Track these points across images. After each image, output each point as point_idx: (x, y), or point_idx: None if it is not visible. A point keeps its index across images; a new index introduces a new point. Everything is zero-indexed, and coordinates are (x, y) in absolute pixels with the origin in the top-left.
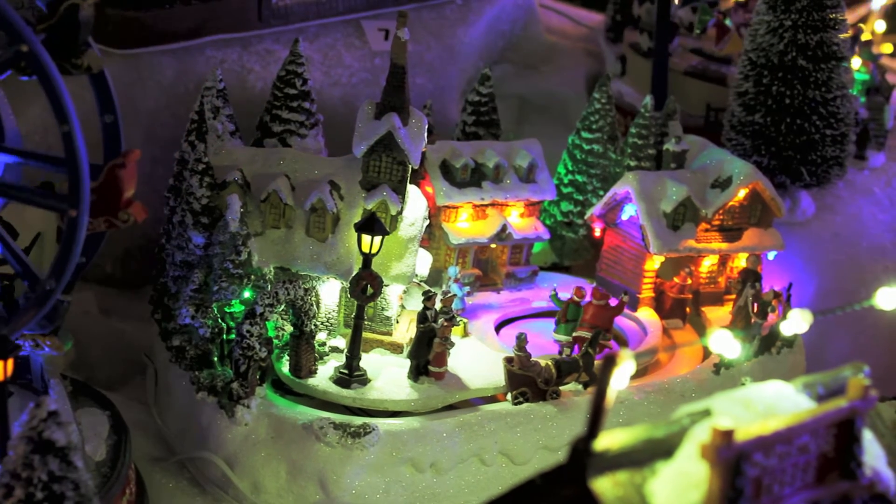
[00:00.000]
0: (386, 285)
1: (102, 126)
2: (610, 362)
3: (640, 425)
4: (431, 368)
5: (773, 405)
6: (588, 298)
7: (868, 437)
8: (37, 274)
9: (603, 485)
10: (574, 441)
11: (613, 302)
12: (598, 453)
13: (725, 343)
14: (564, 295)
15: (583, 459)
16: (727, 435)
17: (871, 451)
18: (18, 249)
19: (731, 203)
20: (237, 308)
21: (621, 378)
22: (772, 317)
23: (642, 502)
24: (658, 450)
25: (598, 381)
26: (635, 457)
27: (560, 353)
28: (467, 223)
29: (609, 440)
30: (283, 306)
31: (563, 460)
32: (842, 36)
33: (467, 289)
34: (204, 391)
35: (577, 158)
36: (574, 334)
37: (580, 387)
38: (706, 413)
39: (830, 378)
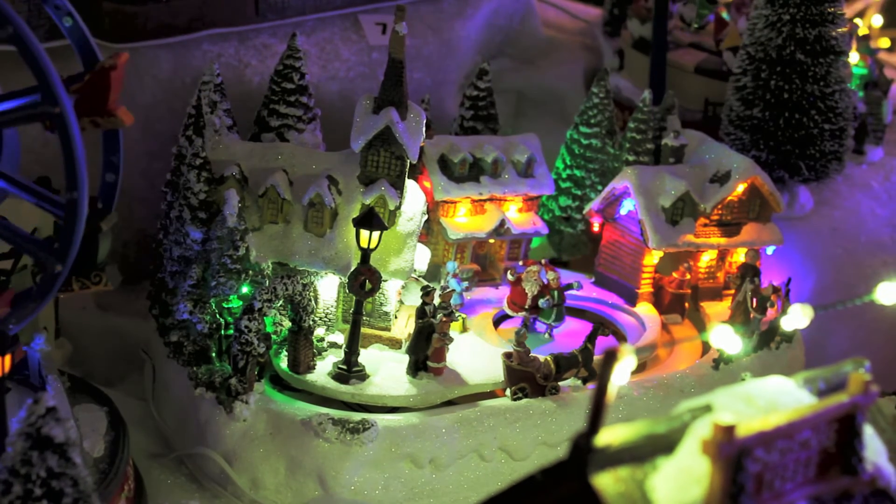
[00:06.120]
0: (384, 280)
1: (102, 183)
2: (611, 358)
3: (641, 421)
4: (430, 364)
5: (774, 400)
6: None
7: (869, 433)
8: None
9: (604, 480)
10: (575, 437)
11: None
12: (599, 449)
13: (727, 338)
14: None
15: (584, 455)
16: (729, 430)
17: (873, 447)
18: None
19: (729, 198)
20: (235, 303)
21: (622, 373)
22: (771, 312)
23: (644, 498)
24: (659, 445)
25: (600, 377)
26: (636, 452)
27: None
28: (465, 218)
29: (610, 436)
30: (281, 302)
31: (564, 456)
32: (841, 30)
33: (466, 284)
34: (202, 387)
35: (576, 153)
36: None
37: (579, 382)
38: (707, 408)
39: (831, 373)
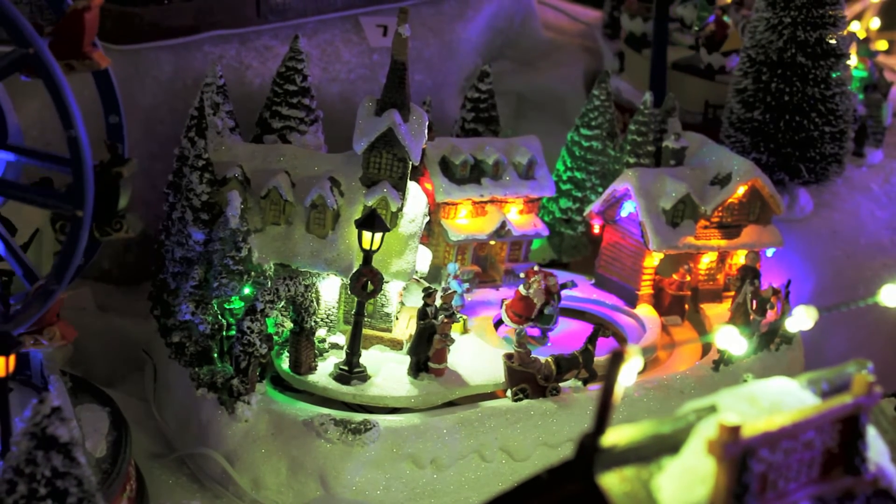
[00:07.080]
0: (386, 282)
1: (107, 127)
2: (618, 358)
3: (646, 421)
4: (431, 365)
5: (778, 401)
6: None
7: (872, 434)
8: (36, 273)
9: (610, 480)
10: (581, 437)
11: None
12: (605, 449)
13: (731, 339)
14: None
15: (590, 455)
16: (734, 431)
17: (875, 447)
18: (18, 248)
19: (730, 200)
20: (237, 304)
21: (629, 374)
22: (770, 314)
23: (649, 497)
24: (665, 445)
25: (606, 377)
26: (642, 452)
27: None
28: (466, 220)
29: (616, 436)
30: (283, 303)
31: (570, 456)
32: (841, 33)
33: (466, 285)
34: (204, 387)
35: (576, 155)
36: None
37: (580, 383)
38: (712, 409)
39: (834, 374)
